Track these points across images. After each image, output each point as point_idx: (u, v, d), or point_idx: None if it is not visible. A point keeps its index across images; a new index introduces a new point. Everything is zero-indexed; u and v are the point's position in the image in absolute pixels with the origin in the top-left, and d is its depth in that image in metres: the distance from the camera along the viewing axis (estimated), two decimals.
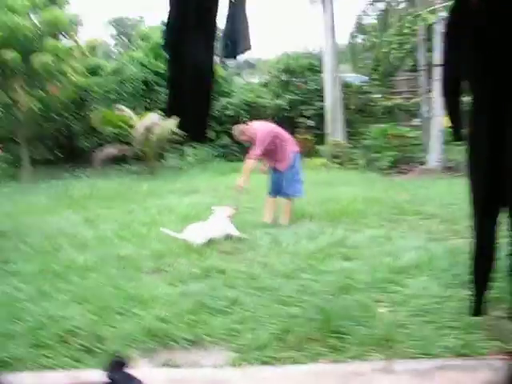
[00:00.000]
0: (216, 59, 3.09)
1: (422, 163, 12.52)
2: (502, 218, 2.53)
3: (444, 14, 11.47)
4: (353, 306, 4.33)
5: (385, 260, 5.42)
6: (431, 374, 3.44)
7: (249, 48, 2.88)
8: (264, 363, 3.58)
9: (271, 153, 6.85)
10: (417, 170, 12.16)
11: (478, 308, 2.76)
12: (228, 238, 6.39)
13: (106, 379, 2.47)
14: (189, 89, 2.30)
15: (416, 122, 20.27)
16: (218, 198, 9.20)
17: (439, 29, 12.20)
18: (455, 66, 2.49)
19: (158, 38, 16.52)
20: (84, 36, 24.76)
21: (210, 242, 6.19)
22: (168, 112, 2.48)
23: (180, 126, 2.57)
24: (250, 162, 6.84)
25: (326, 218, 7.18)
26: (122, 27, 35.30)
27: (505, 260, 2.63)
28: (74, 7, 34.37)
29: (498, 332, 3.58)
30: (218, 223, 6.39)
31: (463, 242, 5.97)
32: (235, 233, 6.41)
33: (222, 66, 21.17)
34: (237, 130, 7.12)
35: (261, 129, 6.98)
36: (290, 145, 7.15)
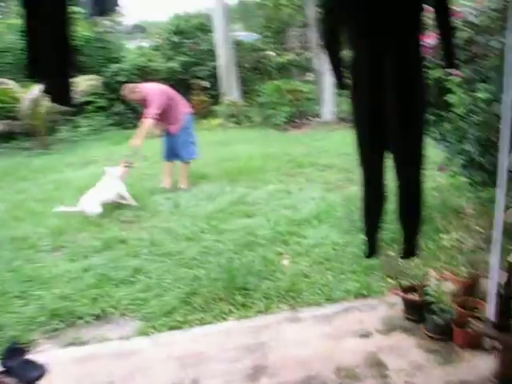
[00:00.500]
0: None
1: (317, 116, 12.76)
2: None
3: None
4: (257, 261, 4.39)
5: (285, 213, 5.54)
6: (335, 318, 3.57)
7: (117, 4, 2.72)
8: (172, 328, 3.57)
9: (163, 115, 6.66)
10: (312, 123, 12.37)
11: (371, 249, 2.84)
12: (121, 199, 6.22)
13: (1, 368, 2.34)
14: (46, 46, 2.13)
15: (310, 76, 20.67)
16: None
17: None
18: (332, 15, 2.49)
19: None
20: None
21: (109, 212, 5.99)
22: (28, 74, 2.26)
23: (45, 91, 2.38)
24: (146, 121, 6.59)
25: (225, 178, 7.17)
26: None
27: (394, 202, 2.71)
28: None
29: (392, 271, 3.75)
30: (109, 185, 6.17)
31: (358, 189, 6.21)
32: (125, 194, 6.23)
33: (111, 32, 20.43)
34: (127, 88, 6.81)
35: (152, 89, 6.76)
36: (182, 106, 7.00)
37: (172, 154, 6.98)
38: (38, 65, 2.10)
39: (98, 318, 3.74)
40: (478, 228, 3.62)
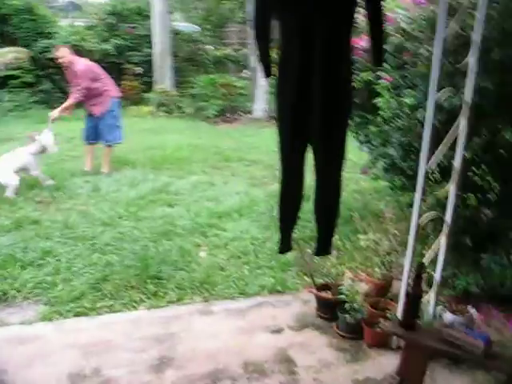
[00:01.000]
0: None
1: (249, 113, 12.75)
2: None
3: None
4: (173, 251, 4.30)
5: (207, 205, 5.46)
6: (248, 312, 3.53)
7: None
8: (79, 315, 3.41)
9: (89, 95, 6.43)
10: (243, 119, 12.35)
11: (284, 245, 2.82)
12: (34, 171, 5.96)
13: None
14: None
15: (245, 73, 20.68)
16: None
17: None
18: (263, 6, 2.45)
19: None
20: None
21: (25, 191, 5.71)
22: None
23: None
24: (72, 97, 6.45)
25: (150, 166, 7.01)
26: None
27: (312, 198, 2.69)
28: None
29: (307, 269, 3.75)
30: (22, 153, 5.94)
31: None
32: (37, 170, 5.98)
33: (45, 7, 19.61)
34: (60, 50, 6.53)
35: (83, 65, 6.52)
36: (110, 89, 6.77)
37: (94, 136, 6.74)
38: None
39: None
40: (395, 231, 3.67)
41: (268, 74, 2.60)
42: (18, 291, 3.64)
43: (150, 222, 4.92)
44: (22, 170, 5.84)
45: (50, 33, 15.25)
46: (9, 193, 5.52)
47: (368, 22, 2.38)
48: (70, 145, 7.91)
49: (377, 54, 2.48)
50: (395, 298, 3.16)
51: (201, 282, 3.85)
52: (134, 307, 3.54)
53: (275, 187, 6.06)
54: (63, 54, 6.43)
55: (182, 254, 4.26)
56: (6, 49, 12.58)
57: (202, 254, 4.34)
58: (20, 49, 12.71)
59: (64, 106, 6.47)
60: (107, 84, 6.74)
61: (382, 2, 2.34)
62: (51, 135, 6.18)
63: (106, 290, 3.69)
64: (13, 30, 14.80)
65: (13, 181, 5.56)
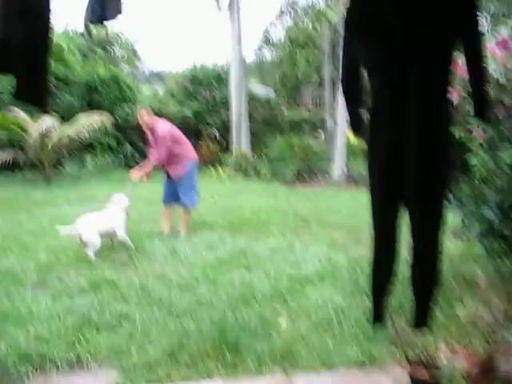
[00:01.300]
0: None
1: (326, 175, 12.61)
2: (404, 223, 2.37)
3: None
4: (252, 319, 4.06)
5: (287, 270, 5.21)
6: None
7: (119, 12, 2.50)
8: (151, 382, 3.23)
9: (168, 158, 6.50)
10: (321, 181, 12.22)
11: (376, 315, 2.57)
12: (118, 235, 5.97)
13: None
14: (21, 42, 1.92)
15: (320, 134, 20.74)
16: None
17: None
18: (354, 57, 2.31)
19: (60, 42, 15.76)
20: None
21: (103, 250, 5.74)
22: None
23: (16, 94, 2.13)
24: (152, 159, 6.56)
25: (228, 228, 6.92)
26: None
27: (406, 266, 2.46)
28: None
29: (399, 340, 3.43)
30: (112, 213, 5.97)
31: (366, 251, 5.92)
32: (122, 233, 5.97)
33: (128, 75, 20.66)
34: (142, 113, 6.65)
35: (164, 128, 6.63)
36: (189, 151, 6.84)
37: (172, 198, 6.76)
38: (10, 57, 1.88)
39: (71, 364, 3.40)
40: (494, 300, 3.32)
41: (358, 132, 2.45)
42: (92, 355, 3.51)
43: (228, 286, 4.74)
44: (108, 233, 5.89)
45: (132, 99, 15.93)
46: (90, 252, 5.53)
47: (468, 68, 2.18)
48: (148, 206, 7.99)
49: (479, 104, 2.25)
50: (503, 378, 2.79)
51: (281, 353, 3.58)
52: (209, 377, 3.33)
53: (357, 252, 5.86)
54: (145, 117, 6.56)
55: (261, 321, 4.02)
56: (92, 114, 13.18)
57: (283, 322, 4.10)
58: (105, 115, 13.28)
59: (145, 168, 6.55)
60: (186, 147, 6.81)
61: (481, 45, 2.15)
62: (128, 197, 6.25)
63: (181, 358, 3.49)
64: (99, 98, 15.57)
65: (96, 241, 5.59)
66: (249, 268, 5.32)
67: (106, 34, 27.60)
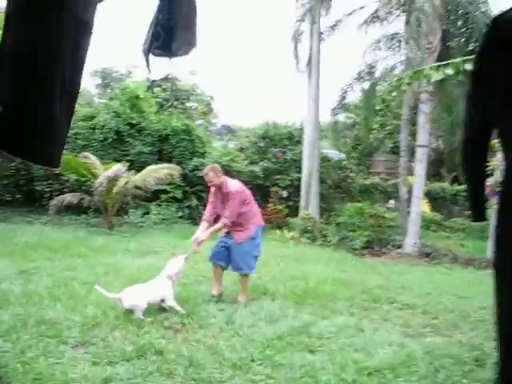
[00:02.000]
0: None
1: (398, 246, 11.89)
2: None
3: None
4: None
5: (354, 356, 4.57)
6: None
7: (194, 45, 2.08)
8: None
9: (236, 219, 6.09)
10: (392, 253, 11.51)
11: None
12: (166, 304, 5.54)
13: None
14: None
15: (391, 204, 20.03)
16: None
17: (424, 109, 11.90)
18: (481, 110, 1.83)
19: (138, 90, 16.10)
20: None
21: (154, 313, 5.34)
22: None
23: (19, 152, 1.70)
24: (223, 221, 6.07)
25: (290, 299, 6.37)
26: (108, 79, 35.08)
27: None
28: None
29: None
30: (158, 286, 5.56)
31: (445, 340, 5.26)
32: (171, 302, 5.53)
33: (201, 128, 20.86)
34: (212, 169, 6.17)
35: (238, 188, 6.22)
36: (257, 216, 6.41)
37: (226, 260, 6.28)
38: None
39: None
40: None
41: (478, 217, 1.92)
42: None
43: (288, 371, 4.15)
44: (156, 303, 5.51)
45: (203, 153, 15.91)
46: (138, 314, 5.15)
47: None
48: (207, 265, 7.57)
49: None
50: None
51: None
52: None
53: (434, 341, 5.16)
54: (211, 179, 6.14)
55: None
56: (161, 165, 13.16)
57: None
58: (173, 166, 13.23)
59: (213, 229, 6.14)
60: (254, 210, 6.39)
61: None
62: (184, 261, 5.90)
63: None
64: (170, 149, 15.63)
65: (141, 304, 5.21)
66: (312, 349, 4.73)
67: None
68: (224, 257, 6.27)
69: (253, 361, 4.29)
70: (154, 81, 16.88)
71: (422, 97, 11.94)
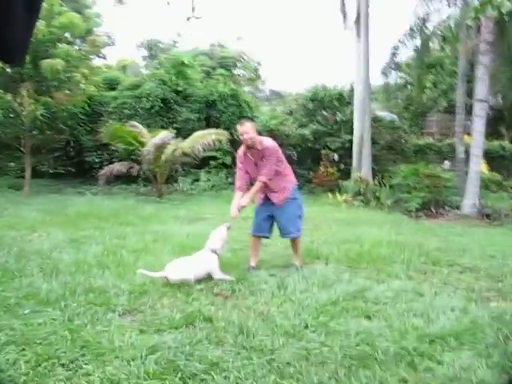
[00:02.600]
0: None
1: (456, 208, 11.38)
2: None
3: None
4: None
5: (414, 322, 4.29)
6: None
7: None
8: None
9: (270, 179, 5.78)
10: (449, 214, 11.02)
11: None
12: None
13: None
14: None
15: (446, 164, 19.34)
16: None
17: (483, 60, 11.19)
18: None
19: (183, 57, 15.92)
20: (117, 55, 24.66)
21: (204, 279, 5.20)
22: None
23: None
24: (261, 180, 5.69)
25: (344, 263, 6.13)
26: (154, 50, 35.09)
27: None
28: (109, 27, 34.24)
29: None
30: (203, 260, 5.38)
31: None
32: (218, 275, 5.35)
33: (249, 94, 20.56)
34: (245, 125, 5.74)
35: (272, 145, 5.81)
36: (290, 173, 6.04)
37: (267, 228, 5.99)
38: None
39: None
40: None
41: None
42: None
43: (343, 338, 3.91)
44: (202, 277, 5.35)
45: (251, 117, 15.66)
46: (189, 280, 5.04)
47: None
48: None
49: None
50: None
51: None
52: None
53: (501, 306, 4.82)
54: (248, 130, 5.70)
55: None
56: (208, 130, 12.98)
57: None
58: (221, 131, 13.02)
59: (252, 191, 5.76)
60: (287, 168, 6.01)
61: None
62: (226, 230, 5.72)
63: None
64: (217, 115, 15.44)
65: (188, 278, 5.09)
66: (368, 315, 4.47)
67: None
68: (268, 227, 5.99)
69: (306, 327, 4.08)
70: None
71: (481, 47, 11.21)
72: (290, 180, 5.97)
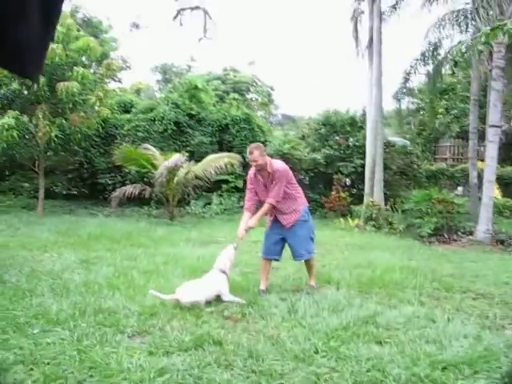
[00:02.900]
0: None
1: (469, 233, 11.26)
2: None
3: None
4: None
5: (426, 349, 4.22)
6: None
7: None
8: None
9: (281, 202, 5.77)
10: (463, 240, 10.90)
11: None
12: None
13: None
14: None
15: (459, 191, 19.23)
16: (237, 252, 8.24)
17: (496, 86, 11.17)
18: None
19: (197, 81, 16.08)
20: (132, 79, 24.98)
21: (214, 302, 5.18)
22: None
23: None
24: (269, 202, 5.68)
25: (356, 288, 6.07)
26: (168, 74, 35.48)
27: None
28: (125, 51, 34.73)
29: None
30: (212, 281, 5.38)
31: None
32: (227, 297, 5.34)
33: (261, 118, 20.67)
34: (257, 147, 5.75)
35: (282, 168, 5.81)
36: (302, 196, 6.03)
37: (278, 251, 5.95)
38: None
39: None
40: None
41: None
42: None
43: (354, 363, 3.85)
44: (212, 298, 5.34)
45: (263, 141, 15.73)
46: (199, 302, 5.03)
47: None
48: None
49: None
50: None
51: None
52: None
53: None
54: (256, 158, 5.69)
55: None
56: (221, 154, 13.04)
57: None
58: (233, 155, 13.07)
59: (260, 213, 5.76)
60: (299, 190, 5.99)
61: None
62: (234, 251, 5.76)
63: None
64: (230, 139, 15.53)
65: (200, 300, 5.10)
66: (379, 340, 4.41)
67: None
68: (278, 250, 5.96)
69: (316, 352, 4.03)
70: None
71: (493, 73, 11.20)
72: (301, 202, 5.95)
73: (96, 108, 12.59)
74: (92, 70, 14.06)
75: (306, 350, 4.04)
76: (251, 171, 5.92)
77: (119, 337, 4.15)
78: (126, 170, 13.98)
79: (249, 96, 32.90)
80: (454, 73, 21.85)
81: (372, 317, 4.97)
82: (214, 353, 3.91)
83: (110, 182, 14.67)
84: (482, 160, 16.60)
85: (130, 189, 12.28)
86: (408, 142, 20.79)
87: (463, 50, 10.89)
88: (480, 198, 11.80)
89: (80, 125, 12.26)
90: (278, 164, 5.85)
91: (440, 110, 23.74)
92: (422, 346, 4.28)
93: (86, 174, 15.10)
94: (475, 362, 3.98)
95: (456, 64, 17.62)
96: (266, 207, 5.73)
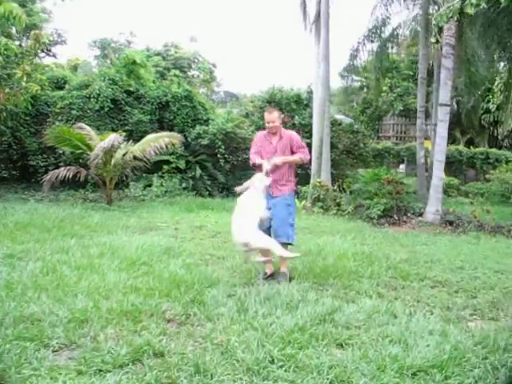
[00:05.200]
0: None
1: (419, 215, 11.06)
2: None
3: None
4: None
5: (391, 351, 3.80)
6: None
7: None
8: None
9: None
10: (412, 222, 10.68)
11: None
12: None
13: None
14: None
15: (402, 169, 19.23)
16: (179, 240, 7.67)
17: (447, 64, 10.93)
18: None
19: (135, 56, 15.24)
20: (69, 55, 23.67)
21: (152, 305, 4.59)
22: None
23: None
24: (302, 158, 5.90)
25: (309, 279, 5.63)
26: (107, 49, 34.02)
27: None
28: (61, 25, 33.07)
29: None
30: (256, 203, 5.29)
31: (492, 325, 4.50)
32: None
33: (203, 96, 20.00)
34: (274, 113, 5.83)
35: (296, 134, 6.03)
36: (295, 173, 6.17)
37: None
38: None
39: None
40: None
41: None
42: None
43: (315, 374, 3.37)
44: None
45: (206, 120, 15.12)
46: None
47: None
48: (214, 240, 6.88)
49: None
50: None
51: None
52: None
53: (481, 326, 4.40)
54: (275, 119, 5.78)
55: None
56: (161, 133, 12.31)
57: None
58: (174, 134, 12.35)
59: (291, 158, 5.79)
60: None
61: None
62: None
63: None
64: (171, 117, 14.82)
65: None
66: (340, 342, 3.98)
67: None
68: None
69: (272, 362, 3.53)
70: None
71: (444, 51, 10.93)
72: (294, 180, 6.05)
73: (23, 84, 11.54)
74: (21, 44, 12.97)
75: (259, 359, 3.52)
76: (260, 133, 6.15)
77: (42, 353, 3.50)
78: (60, 151, 13.05)
79: (190, 73, 32.02)
80: (397, 52, 21.70)
81: (330, 314, 4.53)
82: (154, 368, 3.36)
83: (42, 164, 13.69)
84: (426, 139, 16.57)
85: (64, 171, 11.37)
86: (352, 121, 20.61)
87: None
88: (427, 178, 11.62)
89: (5, 102, 11.23)
90: (290, 132, 6.12)
91: (384, 88, 23.67)
92: (386, 348, 3.87)
93: (15, 155, 14.00)
94: (445, 365, 3.60)
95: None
96: (297, 157, 5.82)
